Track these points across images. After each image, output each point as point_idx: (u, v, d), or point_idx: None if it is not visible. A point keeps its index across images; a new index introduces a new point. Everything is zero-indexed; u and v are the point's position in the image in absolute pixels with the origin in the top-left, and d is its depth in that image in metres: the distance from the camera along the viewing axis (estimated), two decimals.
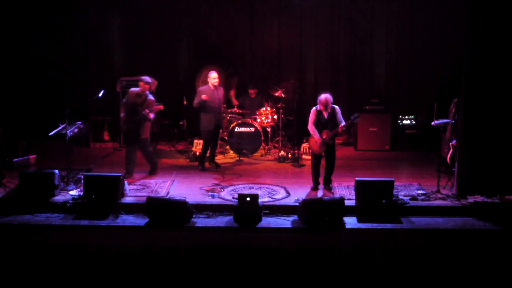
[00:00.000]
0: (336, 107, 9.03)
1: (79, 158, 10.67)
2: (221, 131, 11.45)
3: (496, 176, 8.52)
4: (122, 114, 9.66)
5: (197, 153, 10.81)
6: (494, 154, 8.48)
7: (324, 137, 8.90)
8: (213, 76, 10.20)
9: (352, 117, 8.95)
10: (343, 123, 8.92)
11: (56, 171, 8.85)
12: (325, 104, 8.85)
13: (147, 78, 9.64)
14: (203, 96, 10.01)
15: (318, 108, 8.98)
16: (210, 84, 10.20)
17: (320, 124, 8.97)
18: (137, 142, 9.64)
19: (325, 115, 8.95)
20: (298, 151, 11.13)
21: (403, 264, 7.56)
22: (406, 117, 12.13)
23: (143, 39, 12.83)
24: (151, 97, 9.62)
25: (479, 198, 8.60)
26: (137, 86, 11.95)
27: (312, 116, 9.02)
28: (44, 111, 12.56)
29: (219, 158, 11.23)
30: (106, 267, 7.61)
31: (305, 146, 11.26)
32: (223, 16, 12.77)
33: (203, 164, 10.35)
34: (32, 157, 10.57)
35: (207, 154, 10.50)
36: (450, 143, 9.31)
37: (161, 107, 9.82)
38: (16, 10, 12.46)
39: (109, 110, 11.96)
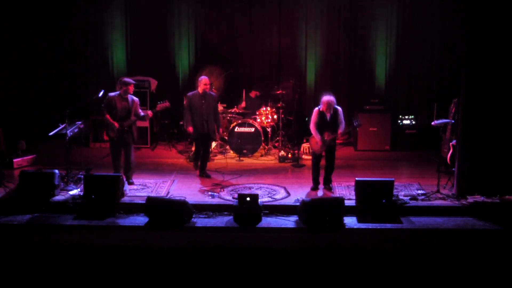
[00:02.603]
0: (339, 108, 9.04)
1: (79, 158, 10.66)
2: (218, 133, 11.28)
3: (496, 176, 8.53)
4: (113, 121, 9.00)
5: None
6: (494, 154, 8.48)
7: (325, 138, 8.91)
8: (204, 82, 9.70)
9: (354, 123, 8.96)
10: (343, 124, 8.96)
11: (56, 171, 8.85)
12: (328, 106, 8.87)
13: (129, 80, 9.23)
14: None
15: (320, 109, 8.98)
16: (199, 90, 9.74)
17: (322, 125, 8.98)
18: (131, 146, 9.26)
19: (328, 116, 8.95)
20: (298, 151, 11.13)
21: (403, 264, 7.55)
22: (406, 117, 12.13)
23: (143, 39, 12.84)
24: (134, 97, 9.17)
25: (479, 198, 8.61)
26: (137, 86, 11.92)
27: (314, 117, 9.02)
28: (44, 111, 12.56)
29: (219, 158, 11.23)
30: (106, 267, 7.60)
31: (305, 146, 11.26)
32: (223, 16, 12.77)
33: (197, 165, 10.08)
34: (32, 157, 10.57)
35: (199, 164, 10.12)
36: (450, 143, 9.31)
37: (168, 104, 9.39)
38: (16, 10, 12.46)
39: None
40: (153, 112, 9.40)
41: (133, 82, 9.22)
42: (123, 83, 9.10)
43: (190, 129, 9.85)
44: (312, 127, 9.04)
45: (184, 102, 10.00)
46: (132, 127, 9.15)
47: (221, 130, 10.45)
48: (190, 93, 9.99)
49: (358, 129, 11.78)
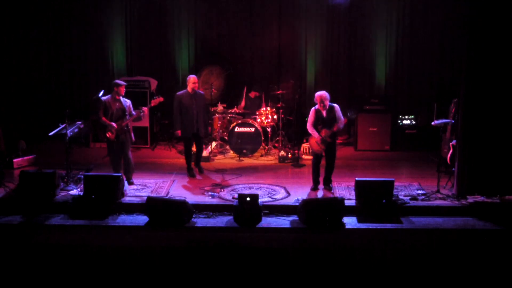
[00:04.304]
0: (335, 105, 9.03)
1: (79, 158, 10.66)
2: (216, 131, 11.35)
3: (496, 176, 8.52)
4: (112, 123, 9.05)
5: None
6: (494, 154, 8.47)
7: (323, 135, 8.91)
8: (192, 81, 9.73)
9: (348, 114, 8.96)
10: (341, 120, 8.96)
11: (56, 171, 8.85)
12: (320, 101, 8.88)
13: (120, 81, 9.26)
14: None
15: (316, 108, 9.00)
16: (189, 89, 9.75)
17: (319, 123, 8.98)
18: (129, 146, 9.32)
19: (324, 113, 8.96)
20: (298, 151, 11.13)
21: (403, 264, 7.56)
22: (406, 117, 12.12)
23: (143, 39, 12.84)
24: (126, 99, 9.23)
25: (479, 198, 8.61)
26: (138, 86, 11.88)
27: (311, 117, 9.04)
28: (44, 111, 12.56)
29: (219, 158, 11.23)
30: (106, 267, 7.60)
31: (305, 146, 11.26)
32: (223, 16, 12.77)
33: (191, 170, 10.01)
34: (32, 157, 10.57)
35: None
36: (450, 143, 9.31)
37: (161, 99, 9.45)
38: (16, 11, 12.46)
39: None
40: (148, 108, 9.50)
41: (124, 83, 9.29)
42: (114, 85, 9.20)
43: (179, 132, 9.84)
44: (309, 126, 9.04)
45: (174, 103, 9.85)
46: (129, 127, 9.23)
47: (209, 129, 10.47)
48: (179, 93, 9.94)
49: (358, 129, 11.80)
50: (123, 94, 9.21)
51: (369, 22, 12.54)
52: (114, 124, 9.05)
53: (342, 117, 8.98)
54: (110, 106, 9.11)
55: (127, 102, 9.24)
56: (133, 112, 9.22)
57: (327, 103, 8.92)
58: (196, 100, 9.79)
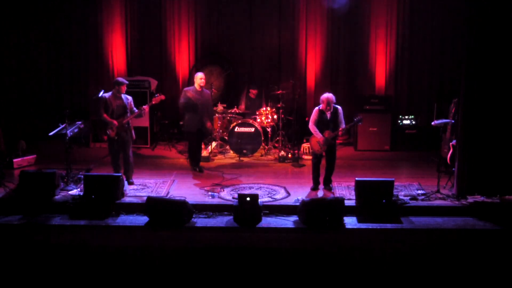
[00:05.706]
0: (339, 107, 9.05)
1: (79, 158, 10.66)
2: (216, 131, 11.37)
3: (496, 176, 8.52)
4: (113, 120, 9.06)
5: None
6: (494, 154, 8.48)
7: (326, 136, 8.91)
8: (199, 77, 9.95)
9: (355, 119, 9.00)
10: (343, 125, 8.96)
11: (56, 171, 8.85)
12: (327, 103, 8.87)
13: (122, 80, 9.25)
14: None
15: (320, 108, 9.00)
16: (196, 85, 9.95)
17: (322, 124, 8.98)
18: (130, 144, 9.32)
19: (328, 115, 8.96)
20: (298, 151, 11.14)
21: (403, 264, 7.56)
22: (406, 117, 12.13)
23: (143, 39, 12.83)
24: (128, 95, 9.25)
25: (479, 198, 8.61)
26: (138, 86, 11.86)
27: (314, 116, 9.04)
28: (44, 111, 12.56)
29: (219, 158, 11.23)
30: (106, 267, 7.60)
31: (305, 146, 11.26)
32: (223, 16, 12.76)
33: (195, 166, 10.18)
34: (32, 157, 10.58)
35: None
36: (450, 143, 9.31)
37: (163, 97, 9.46)
38: (16, 11, 12.46)
39: None
40: (149, 105, 9.54)
41: (126, 82, 9.30)
42: (115, 83, 9.21)
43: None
44: (311, 125, 9.04)
45: (181, 98, 9.97)
46: (130, 125, 9.22)
47: (210, 124, 10.56)
48: (187, 88, 10.09)
49: (358, 129, 11.80)
50: (124, 93, 9.21)
51: (369, 22, 12.53)
52: (115, 122, 9.06)
53: (343, 121, 9.00)
54: (111, 103, 9.11)
55: (128, 99, 9.23)
56: (135, 109, 9.22)
57: (333, 106, 8.93)
58: (203, 97, 9.91)
